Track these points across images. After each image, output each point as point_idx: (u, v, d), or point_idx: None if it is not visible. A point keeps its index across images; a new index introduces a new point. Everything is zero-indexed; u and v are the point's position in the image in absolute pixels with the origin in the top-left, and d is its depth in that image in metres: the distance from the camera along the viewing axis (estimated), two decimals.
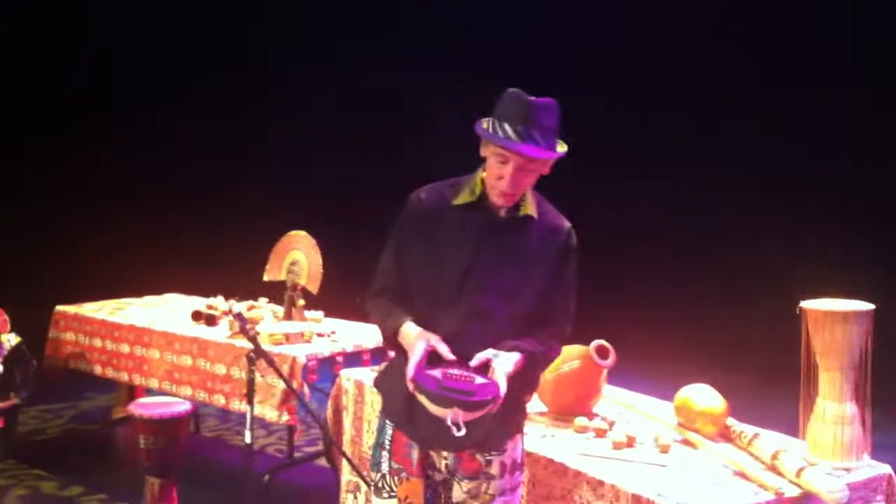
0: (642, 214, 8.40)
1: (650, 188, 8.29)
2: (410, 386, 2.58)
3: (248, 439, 3.72)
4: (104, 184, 8.21)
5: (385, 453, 2.84)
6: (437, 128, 7.82)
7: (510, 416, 2.77)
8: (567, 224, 2.83)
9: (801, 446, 3.19)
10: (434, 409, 2.55)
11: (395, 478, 2.82)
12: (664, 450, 3.23)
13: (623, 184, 8.29)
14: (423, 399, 2.57)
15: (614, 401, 3.77)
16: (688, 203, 8.13)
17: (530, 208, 2.76)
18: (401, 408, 2.78)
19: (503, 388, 2.56)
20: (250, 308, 5.62)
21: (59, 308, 6.01)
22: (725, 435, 3.33)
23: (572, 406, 3.54)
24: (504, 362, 2.62)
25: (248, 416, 3.69)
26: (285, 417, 4.78)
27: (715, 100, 7.86)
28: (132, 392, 5.89)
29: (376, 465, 2.87)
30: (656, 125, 8.19)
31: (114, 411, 6.30)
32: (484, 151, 2.71)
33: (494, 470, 2.79)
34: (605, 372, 3.57)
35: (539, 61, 8.10)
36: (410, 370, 2.58)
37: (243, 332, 3.68)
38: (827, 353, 3.10)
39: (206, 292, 6.00)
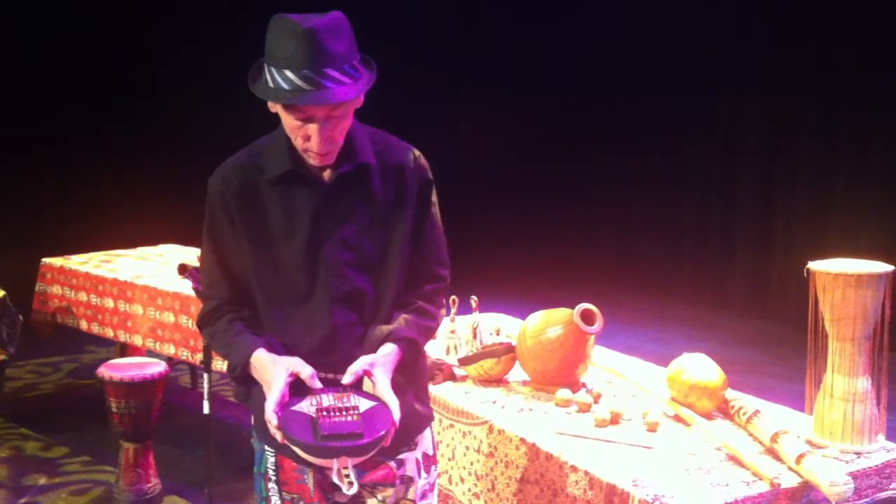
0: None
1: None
2: (278, 435, 2.07)
3: (206, 409, 3.47)
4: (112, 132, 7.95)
5: (272, 485, 2.32)
6: None
7: (413, 411, 2.32)
8: (412, 154, 2.30)
9: (809, 423, 2.83)
10: (313, 460, 2.06)
11: None
12: (652, 428, 2.87)
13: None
14: (297, 450, 2.05)
15: (605, 368, 3.41)
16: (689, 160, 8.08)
17: (362, 154, 2.22)
18: None
19: (396, 409, 2.09)
20: None
21: (46, 260, 5.75)
22: (724, 410, 2.97)
23: (555, 376, 3.18)
24: (385, 368, 2.14)
25: (206, 387, 3.44)
26: None
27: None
28: (124, 348, 5.65)
29: (264, 501, 2.35)
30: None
31: None
32: (273, 107, 2.15)
33: (411, 470, 2.35)
34: (592, 338, 3.21)
35: None
36: (271, 414, 2.06)
37: (195, 291, 3.40)
38: (837, 321, 2.71)
39: None
